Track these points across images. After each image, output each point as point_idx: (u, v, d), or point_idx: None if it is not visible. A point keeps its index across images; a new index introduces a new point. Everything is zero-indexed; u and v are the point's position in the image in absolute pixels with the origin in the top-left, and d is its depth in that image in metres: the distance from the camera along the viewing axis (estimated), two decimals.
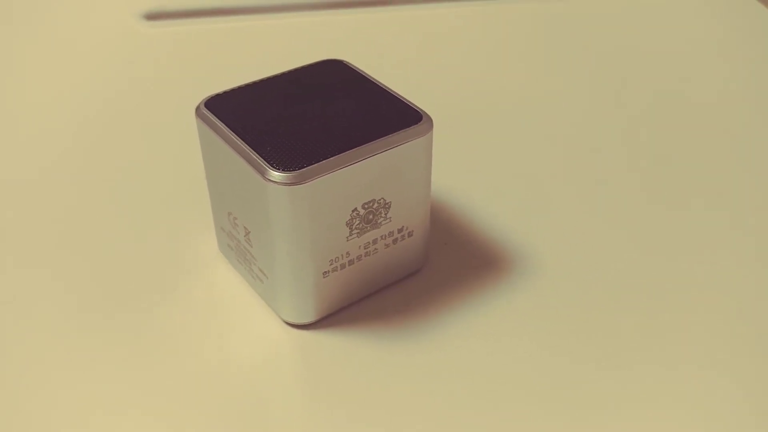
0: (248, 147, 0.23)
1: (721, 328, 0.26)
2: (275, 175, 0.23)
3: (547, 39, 0.43)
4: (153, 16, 0.43)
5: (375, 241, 0.25)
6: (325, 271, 0.25)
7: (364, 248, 0.25)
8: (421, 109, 0.25)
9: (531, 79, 0.40)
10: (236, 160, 0.24)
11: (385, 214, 0.25)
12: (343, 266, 0.25)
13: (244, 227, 0.25)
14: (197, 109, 0.25)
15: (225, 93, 0.26)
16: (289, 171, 0.23)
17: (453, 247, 0.29)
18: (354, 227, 0.24)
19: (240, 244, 0.26)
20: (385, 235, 0.25)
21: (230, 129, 0.24)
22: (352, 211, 0.24)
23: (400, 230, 0.26)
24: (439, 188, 0.31)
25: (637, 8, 0.46)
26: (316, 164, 0.23)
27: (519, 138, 0.35)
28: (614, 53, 0.42)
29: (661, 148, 0.35)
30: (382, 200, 0.25)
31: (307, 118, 0.25)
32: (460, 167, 0.33)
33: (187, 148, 0.31)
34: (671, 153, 0.35)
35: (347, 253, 0.25)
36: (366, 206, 0.24)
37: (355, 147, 0.23)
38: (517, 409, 0.24)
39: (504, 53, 0.42)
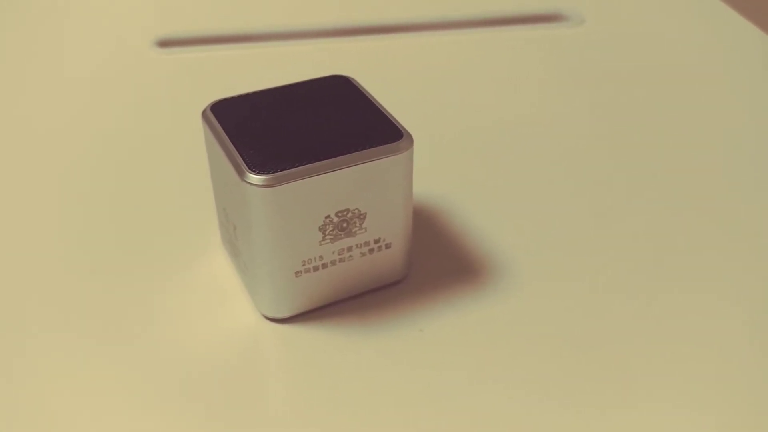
0: (234, 149, 0.26)
1: (712, 339, 0.27)
2: (251, 177, 0.25)
3: (538, 63, 0.44)
4: (165, 43, 0.45)
5: (350, 249, 0.27)
6: (298, 271, 0.26)
7: (339, 254, 0.27)
8: (404, 128, 0.26)
9: (529, 100, 0.41)
10: (224, 160, 0.26)
11: (360, 224, 0.26)
12: (316, 268, 0.27)
13: (233, 223, 0.27)
14: (203, 112, 0.28)
15: (231, 99, 0.28)
16: (264, 174, 0.25)
17: (438, 260, 0.30)
18: (327, 233, 0.26)
19: (231, 237, 0.28)
20: (361, 244, 0.27)
21: (225, 131, 0.26)
22: (325, 217, 0.26)
23: (376, 241, 0.27)
24: (434, 204, 0.33)
25: (629, 34, 0.47)
26: (290, 170, 0.25)
27: (519, 158, 0.36)
28: (603, 74, 0.43)
29: (650, 163, 0.36)
30: (357, 210, 0.26)
31: (297, 127, 0.26)
32: (457, 184, 0.34)
33: (200, 159, 0.33)
34: (661, 167, 0.36)
35: (320, 256, 0.26)
36: (340, 215, 0.26)
37: (331, 157, 0.25)
38: (492, 406, 0.25)
39: (503, 77, 0.43)
